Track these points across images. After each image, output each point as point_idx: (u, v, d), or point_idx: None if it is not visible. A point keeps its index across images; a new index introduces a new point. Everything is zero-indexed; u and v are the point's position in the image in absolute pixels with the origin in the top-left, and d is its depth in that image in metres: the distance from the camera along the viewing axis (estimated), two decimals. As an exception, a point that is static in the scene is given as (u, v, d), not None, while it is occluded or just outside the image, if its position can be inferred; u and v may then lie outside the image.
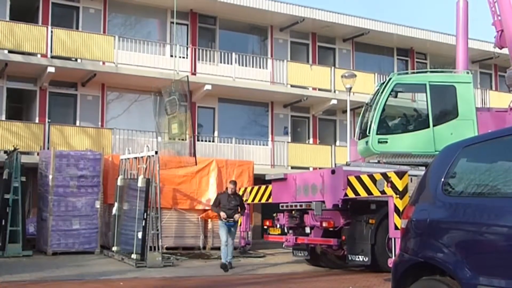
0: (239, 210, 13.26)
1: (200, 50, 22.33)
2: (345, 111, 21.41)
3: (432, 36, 26.37)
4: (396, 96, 13.52)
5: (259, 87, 22.55)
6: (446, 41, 25.90)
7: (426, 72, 17.37)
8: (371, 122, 13.26)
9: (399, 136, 13.30)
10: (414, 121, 13.83)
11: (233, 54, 22.37)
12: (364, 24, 24.91)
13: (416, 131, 13.34)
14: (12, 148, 16.29)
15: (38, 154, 18.13)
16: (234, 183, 13.58)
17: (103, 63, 20.02)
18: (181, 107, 15.90)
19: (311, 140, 24.90)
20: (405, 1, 64.68)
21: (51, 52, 18.99)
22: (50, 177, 15.97)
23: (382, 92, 13.32)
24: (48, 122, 19.47)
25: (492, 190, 4.59)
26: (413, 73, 17.48)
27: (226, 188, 13.89)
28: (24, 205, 15.93)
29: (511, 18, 13.58)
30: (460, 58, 14.82)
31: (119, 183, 15.80)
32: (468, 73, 13.68)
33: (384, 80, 14.93)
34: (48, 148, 18.08)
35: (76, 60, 19.64)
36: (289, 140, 23.99)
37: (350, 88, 19.78)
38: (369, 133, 13.25)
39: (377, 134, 13.15)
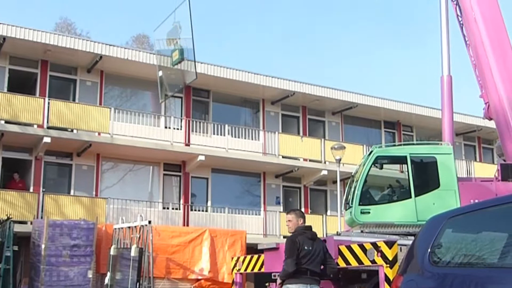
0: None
1: (194, 122, 22.62)
2: (335, 182, 21.53)
3: (417, 109, 26.90)
4: (381, 168, 13.66)
5: (251, 158, 22.74)
6: (430, 115, 26.43)
7: (407, 144, 17.70)
8: (354, 193, 13.36)
9: (381, 207, 13.34)
10: (397, 192, 13.91)
11: (226, 126, 22.68)
12: (352, 98, 25.40)
13: (399, 201, 13.38)
14: (5, 217, 16.15)
15: (31, 223, 17.98)
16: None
17: (99, 134, 20.21)
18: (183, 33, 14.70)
19: (302, 210, 24.79)
20: (392, 76, 66.21)
21: (47, 122, 19.20)
22: (43, 246, 15.79)
23: (364, 164, 13.49)
24: (43, 191, 19.41)
25: (478, 260, 4.62)
26: (396, 145, 17.75)
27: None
28: (15, 274, 15.68)
29: (493, 89, 13.90)
30: (446, 130, 15.05)
31: (112, 252, 15.64)
32: (448, 144, 13.89)
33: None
34: (41, 217, 17.95)
35: (72, 130, 19.82)
36: (281, 210, 23.95)
37: (340, 160, 20.08)
38: (352, 204, 13.32)
39: (359, 204, 13.20)
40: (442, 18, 14.82)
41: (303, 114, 25.94)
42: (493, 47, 13.91)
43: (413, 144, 20.08)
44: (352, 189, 13.60)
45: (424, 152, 13.80)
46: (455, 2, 14.97)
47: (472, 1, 14.25)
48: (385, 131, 27.99)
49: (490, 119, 14.61)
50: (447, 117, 14.67)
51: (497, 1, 14.28)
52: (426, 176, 13.48)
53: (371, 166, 13.27)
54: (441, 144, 14.14)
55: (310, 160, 24.14)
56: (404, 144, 17.75)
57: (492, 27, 14.06)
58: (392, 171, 14.39)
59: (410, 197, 13.09)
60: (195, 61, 14.01)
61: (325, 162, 23.96)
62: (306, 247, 7.54)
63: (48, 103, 19.30)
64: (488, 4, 14.24)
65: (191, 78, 14.32)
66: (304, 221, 8.05)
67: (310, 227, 7.92)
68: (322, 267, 7.93)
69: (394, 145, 17.48)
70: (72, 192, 20.28)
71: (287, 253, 7.50)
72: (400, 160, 13.76)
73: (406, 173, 13.39)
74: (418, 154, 13.62)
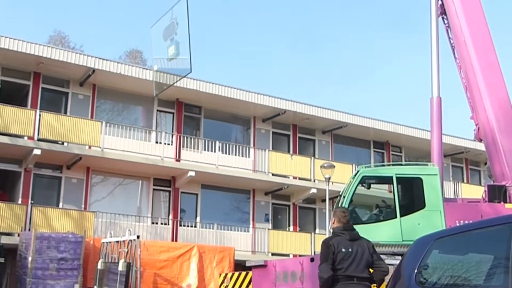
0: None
1: (185, 137, 22.61)
2: (324, 200, 21.56)
3: (406, 130, 27.08)
4: (369, 188, 13.69)
5: (241, 175, 22.76)
6: (419, 136, 26.66)
7: (394, 164, 17.77)
8: None
9: (367, 226, 13.33)
10: (383, 212, 13.93)
11: (217, 142, 22.69)
12: (342, 117, 25.52)
13: (384, 221, 13.39)
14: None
15: (18, 235, 17.82)
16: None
17: (89, 147, 20.14)
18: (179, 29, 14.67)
19: (291, 228, 24.82)
20: (382, 97, 66.66)
21: (38, 135, 19.11)
22: (30, 259, 15.64)
23: (351, 184, 13.53)
24: (31, 203, 19.27)
25: (464, 282, 4.65)
26: (383, 165, 17.83)
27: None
28: (1, 287, 15.47)
29: (482, 110, 14.01)
30: (435, 151, 15.13)
31: (99, 266, 15.51)
32: (434, 165, 13.96)
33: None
34: (29, 230, 17.79)
35: (62, 143, 19.74)
36: (270, 227, 23.91)
37: (329, 178, 20.16)
38: (338, 223, 13.32)
39: None
40: (433, 41, 14.97)
41: (293, 132, 25.99)
42: (483, 70, 14.06)
43: (399, 164, 20.19)
44: None
45: (410, 173, 13.86)
46: (446, 25, 15.15)
47: (462, 24, 14.43)
48: (374, 151, 28.10)
49: (481, 140, 14.72)
50: (436, 138, 14.75)
51: (486, 25, 14.45)
52: (412, 196, 13.53)
53: (357, 186, 13.33)
54: (427, 165, 14.22)
55: (299, 178, 24.18)
56: (390, 164, 17.83)
57: (482, 50, 14.22)
58: (381, 191, 14.45)
59: (396, 217, 13.11)
60: (190, 56, 14.00)
61: (314, 181, 24.00)
62: (343, 249, 6.55)
63: (39, 115, 19.23)
64: (477, 27, 14.42)
65: (186, 72, 14.35)
66: (345, 222, 6.92)
67: (349, 227, 6.87)
68: (370, 270, 6.82)
69: (382, 165, 17.59)
70: (60, 205, 20.13)
71: (320, 258, 6.62)
72: (386, 180, 13.81)
73: (392, 193, 13.43)
74: (404, 174, 13.68)
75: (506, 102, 13.95)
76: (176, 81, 14.84)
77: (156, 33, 15.43)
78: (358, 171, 13.83)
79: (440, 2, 15.11)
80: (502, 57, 14.19)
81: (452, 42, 15.05)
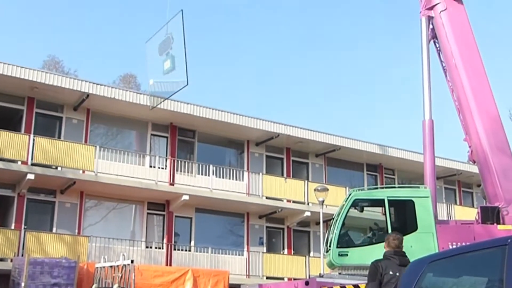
0: None
1: (179, 161, 22.56)
2: (318, 223, 21.48)
3: (399, 153, 27.16)
4: (362, 211, 13.67)
5: (235, 199, 22.67)
6: (412, 158, 26.74)
7: (386, 187, 17.75)
8: (332, 235, 13.33)
9: (359, 249, 13.29)
10: (374, 234, 13.88)
11: (211, 166, 22.65)
12: (335, 141, 25.58)
13: (376, 244, 13.30)
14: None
15: (11, 260, 17.62)
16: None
17: (83, 171, 20.04)
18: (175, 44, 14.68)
19: (285, 251, 24.69)
20: (374, 120, 66.93)
21: (31, 159, 19.01)
22: (23, 284, 15.47)
23: (343, 207, 13.53)
24: (24, 228, 19.09)
25: (459, 304, 4.61)
26: (375, 188, 17.83)
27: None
28: (-7, 313, 15.28)
29: (475, 132, 14.04)
30: (428, 174, 15.12)
31: (92, 291, 15.33)
32: (426, 187, 13.96)
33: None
34: (22, 255, 17.59)
35: (56, 168, 19.64)
36: (264, 251, 23.77)
37: (323, 201, 20.14)
38: (330, 246, 13.27)
39: (337, 247, 13.16)
40: (424, 64, 15.05)
41: (287, 156, 25.99)
42: (474, 93, 14.13)
43: (391, 187, 20.22)
44: (331, 232, 13.58)
45: (402, 195, 13.85)
46: (438, 48, 15.27)
47: (452, 48, 14.54)
48: (367, 173, 28.12)
49: (474, 162, 14.75)
50: (428, 160, 14.73)
51: (477, 48, 14.56)
52: (404, 218, 13.50)
53: (349, 209, 13.32)
54: (419, 187, 14.22)
55: (293, 201, 24.13)
56: (383, 187, 17.83)
57: (472, 73, 14.30)
58: (375, 213, 14.40)
59: None
60: (186, 69, 13.99)
61: (308, 204, 23.94)
62: (391, 272, 6.62)
63: (33, 139, 19.15)
64: (467, 51, 14.52)
65: (182, 84, 14.28)
66: (394, 246, 6.97)
67: (400, 252, 6.89)
68: None
69: (375, 188, 17.59)
70: (54, 230, 19.96)
71: (368, 278, 6.82)
72: (379, 203, 13.79)
73: (385, 215, 13.40)
74: (396, 197, 13.67)
75: (497, 124, 14.01)
76: (173, 94, 14.77)
77: (151, 48, 15.44)
78: (350, 194, 13.83)
79: (431, 26, 15.24)
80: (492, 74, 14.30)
81: (444, 65, 15.15)
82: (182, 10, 14.39)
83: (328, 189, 20.51)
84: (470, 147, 14.53)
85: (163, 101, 15.06)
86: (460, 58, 14.43)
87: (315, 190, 20.49)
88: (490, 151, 13.73)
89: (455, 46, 14.54)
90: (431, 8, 15.14)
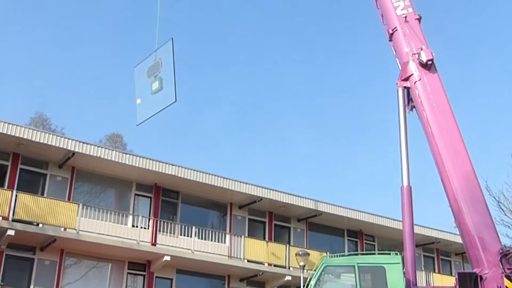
0: None
1: (162, 222, 21.90)
2: (299, 287, 20.70)
3: (379, 220, 26.81)
4: (338, 277, 13.41)
5: (217, 261, 21.99)
6: (392, 225, 26.48)
7: (356, 254, 17.60)
8: None
9: None
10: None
11: (193, 227, 22.05)
12: (317, 206, 25.17)
13: None
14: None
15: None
16: None
17: (65, 229, 19.23)
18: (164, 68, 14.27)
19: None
20: (356, 187, 66.59)
21: (13, 215, 18.23)
22: None
23: (314, 274, 13.23)
24: (1, 285, 18.10)
25: None
26: (346, 255, 17.70)
27: None
28: None
29: (453, 199, 13.62)
30: (407, 240, 14.65)
31: None
32: (396, 254, 13.64)
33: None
34: (-4, 313, 16.55)
35: (37, 224, 18.84)
36: (245, 314, 22.78)
37: (304, 266, 19.75)
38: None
39: None
40: (401, 131, 14.85)
41: (269, 219, 25.46)
42: (450, 159, 13.87)
43: (363, 254, 20.06)
44: None
45: (373, 262, 13.67)
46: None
47: (428, 117, 14.37)
48: (348, 239, 27.63)
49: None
50: (407, 227, 14.32)
51: (452, 115, 14.36)
52: (375, 285, 13.18)
53: (319, 276, 13.12)
54: (390, 253, 14.00)
55: (274, 265, 23.46)
56: (353, 254, 17.65)
57: (449, 140, 14.07)
58: (350, 279, 13.96)
59: None
60: (175, 88, 13.51)
61: (289, 268, 23.30)
62: None
63: (16, 195, 18.44)
64: (442, 119, 14.35)
65: (170, 101, 13.74)
66: None
67: None
68: None
69: (349, 255, 17.39)
70: (32, 287, 18.93)
71: None
72: (348, 270, 13.52)
73: (355, 282, 13.16)
74: (366, 264, 13.46)
75: (474, 188, 13.66)
76: (162, 110, 14.23)
77: (140, 72, 15.11)
78: (321, 261, 13.63)
79: (407, 93, 15.20)
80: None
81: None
82: (172, 39, 14.13)
83: (309, 254, 20.20)
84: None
85: (150, 117, 14.51)
86: (436, 126, 14.26)
87: (296, 254, 20.10)
88: (468, 213, 13.35)
89: (430, 115, 14.42)
90: (407, 79, 15.12)
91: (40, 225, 18.89)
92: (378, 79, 64.02)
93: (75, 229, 19.20)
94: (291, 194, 24.65)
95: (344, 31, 70.24)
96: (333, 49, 68.83)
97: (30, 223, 18.63)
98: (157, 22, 15.34)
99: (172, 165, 21.72)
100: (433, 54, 14.69)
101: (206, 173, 22.57)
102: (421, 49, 14.77)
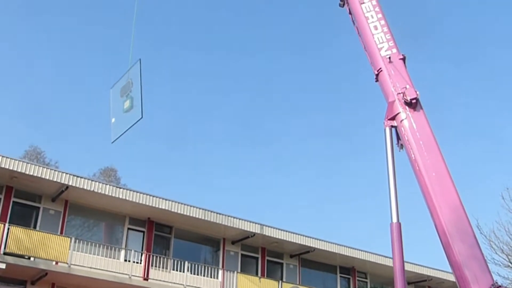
0: None
1: (154, 256, 21.50)
2: (290, 324, 20.20)
3: (371, 257, 26.41)
4: None
5: (209, 296, 21.47)
6: (384, 262, 26.05)
7: None
8: None
9: None
10: None
11: (186, 262, 21.70)
12: (310, 242, 24.82)
13: None
14: None
15: None
16: None
17: (56, 263, 18.84)
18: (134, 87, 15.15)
19: None
20: (347, 223, 65.95)
21: (4, 248, 17.84)
22: None
23: None
24: (-9, 319, 17.62)
25: None
26: None
27: None
28: None
29: (441, 227, 13.35)
30: (398, 277, 14.30)
31: None
32: None
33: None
34: None
35: (29, 258, 18.44)
36: None
37: (295, 302, 19.08)
38: None
39: None
40: (389, 167, 14.66)
41: (262, 255, 25.06)
42: (439, 195, 13.64)
43: None
44: None
45: None
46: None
47: (415, 154, 14.23)
48: (340, 276, 27.16)
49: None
50: (397, 263, 13.94)
51: (439, 151, 14.20)
52: None
53: None
54: None
55: (267, 301, 22.86)
56: None
57: (436, 178, 13.85)
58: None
59: None
60: (142, 105, 14.40)
61: (281, 304, 22.72)
62: None
63: (8, 229, 18.10)
64: (429, 156, 14.15)
65: (137, 117, 14.57)
66: None
67: None
68: None
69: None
70: (20, 322, 18.46)
71: None
72: None
73: None
74: None
75: (462, 221, 13.41)
76: (130, 127, 15.24)
77: (115, 92, 15.90)
78: None
79: (395, 132, 15.11)
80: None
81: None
82: (140, 59, 15.08)
83: (300, 290, 19.57)
84: None
85: (122, 135, 15.27)
86: (423, 163, 14.10)
87: (288, 291, 19.54)
88: (456, 245, 13.04)
89: (417, 152, 14.27)
90: (393, 118, 15.08)
91: (32, 259, 18.50)
92: (368, 123, 64.25)
93: (67, 263, 18.82)
94: (284, 230, 24.30)
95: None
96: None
97: (22, 256, 18.24)
98: (131, 42, 16.30)
99: (166, 199, 21.45)
100: (418, 93, 14.67)
101: (199, 208, 22.28)
102: (405, 88, 14.78)
